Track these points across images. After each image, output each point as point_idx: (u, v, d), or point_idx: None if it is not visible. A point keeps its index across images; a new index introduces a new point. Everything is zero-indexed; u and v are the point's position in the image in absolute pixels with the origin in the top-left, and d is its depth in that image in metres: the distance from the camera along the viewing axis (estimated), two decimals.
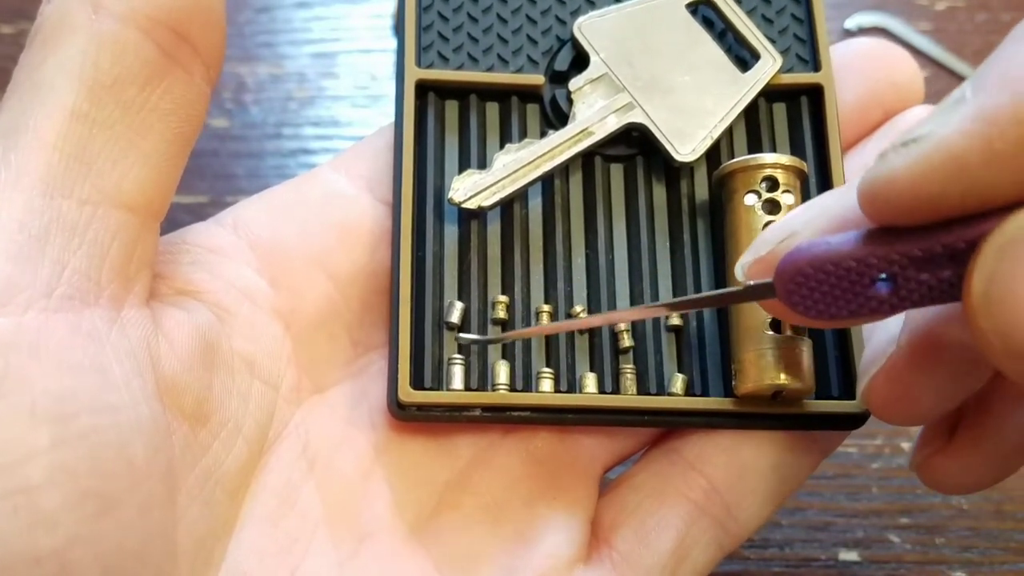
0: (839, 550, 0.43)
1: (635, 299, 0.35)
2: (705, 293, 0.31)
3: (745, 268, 0.29)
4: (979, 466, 0.31)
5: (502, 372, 0.33)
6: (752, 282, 0.27)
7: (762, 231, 0.29)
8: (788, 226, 0.28)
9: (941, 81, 0.54)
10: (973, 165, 0.22)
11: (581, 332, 0.34)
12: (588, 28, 0.36)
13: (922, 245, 0.24)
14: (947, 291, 0.24)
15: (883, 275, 0.25)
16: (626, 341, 0.34)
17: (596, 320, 0.33)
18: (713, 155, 0.36)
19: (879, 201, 0.24)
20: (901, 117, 0.37)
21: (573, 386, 0.34)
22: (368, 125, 0.53)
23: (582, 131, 0.35)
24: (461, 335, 0.33)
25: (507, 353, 0.34)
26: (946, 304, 0.25)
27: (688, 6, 0.37)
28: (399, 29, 0.37)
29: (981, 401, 0.30)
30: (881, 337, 0.30)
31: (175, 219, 0.30)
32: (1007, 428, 0.30)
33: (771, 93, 0.37)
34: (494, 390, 0.33)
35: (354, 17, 0.56)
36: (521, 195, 0.35)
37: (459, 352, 0.34)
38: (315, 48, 0.55)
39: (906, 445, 0.45)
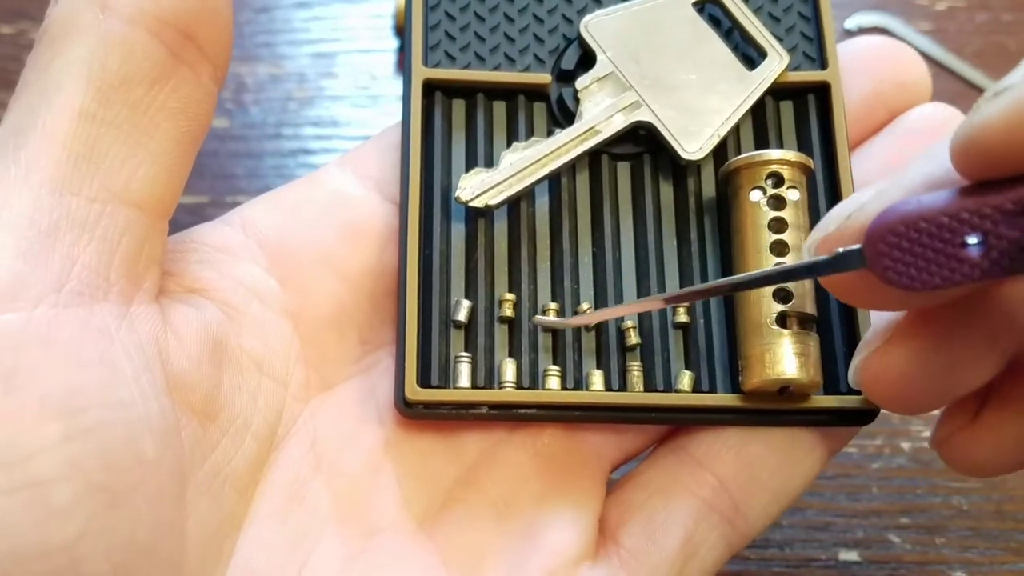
0: (839, 550, 0.43)
1: (641, 296, 0.35)
2: (790, 265, 0.30)
3: (813, 246, 0.28)
4: (1003, 449, 0.30)
5: (509, 370, 0.33)
6: (841, 249, 0.26)
7: (830, 211, 0.28)
8: (856, 201, 0.28)
9: (941, 81, 0.54)
10: None
11: (588, 329, 0.34)
12: (595, 27, 0.36)
13: (1013, 197, 0.24)
14: None
15: (974, 238, 0.24)
16: (633, 338, 0.34)
17: (662, 299, 0.32)
18: (720, 153, 0.36)
19: (972, 152, 0.24)
20: (907, 115, 0.37)
21: (580, 383, 0.34)
22: (368, 125, 0.53)
23: (589, 129, 0.35)
24: (538, 318, 0.34)
25: (514, 351, 0.34)
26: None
27: (695, 4, 0.37)
28: (405, 29, 0.37)
29: (1012, 381, 0.30)
30: (881, 320, 0.30)
31: (175, 219, 0.31)
32: None
33: (778, 91, 0.37)
34: (501, 388, 0.33)
35: (354, 17, 0.56)
36: (528, 193, 0.35)
37: (466, 350, 0.34)
38: (315, 48, 0.55)
39: (906, 445, 0.45)
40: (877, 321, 0.31)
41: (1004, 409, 0.30)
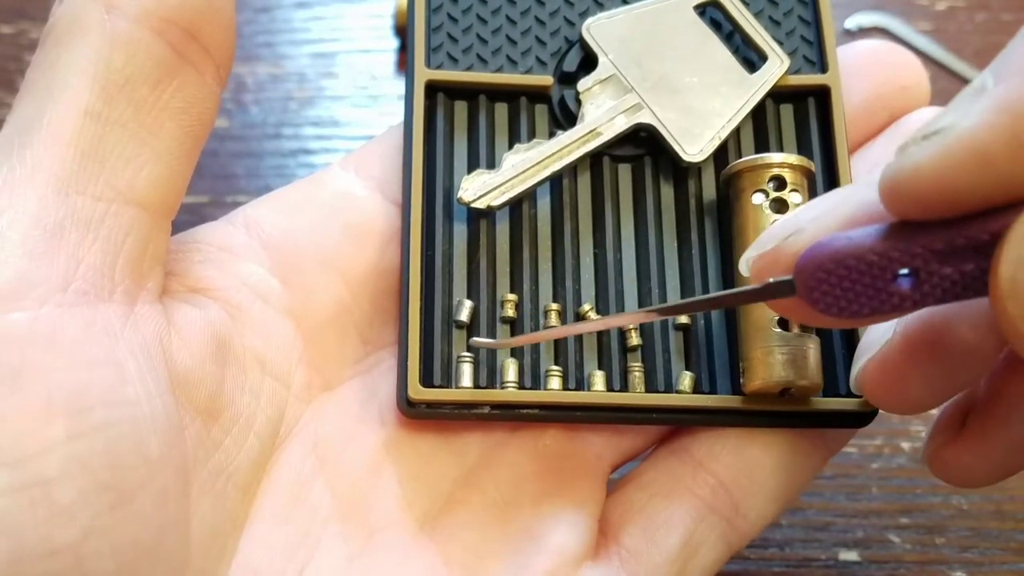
0: (839, 550, 0.43)
1: (643, 297, 0.35)
2: (721, 292, 0.31)
3: (749, 263, 0.29)
4: (989, 459, 0.31)
5: (511, 370, 0.33)
6: (772, 279, 0.27)
7: (767, 229, 0.29)
8: (794, 223, 0.28)
9: (941, 81, 0.54)
10: (998, 157, 0.22)
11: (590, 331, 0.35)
12: (596, 29, 0.37)
13: (944, 238, 0.24)
14: (970, 285, 0.24)
15: (905, 270, 0.24)
16: (634, 339, 0.34)
17: (607, 322, 0.33)
18: (721, 156, 0.36)
19: (902, 195, 0.24)
20: (907, 119, 0.37)
21: (581, 384, 0.34)
22: (368, 125, 0.53)
23: (590, 131, 0.35)
24: (474, 339, 0.33)
25: (516, 351, 0.34)
26: (968, 300, 0.25)
27: (696, 7, 0.37)
28: (408, 31, 0.37)
29: (991, 393, 0.30)
30: (878, 326, 0.30)
31: (175, 219, 0.31)
32: (1017, 421, 0.30)
33: (778, 94, 0.37)
34: (503, 388, 0.33)
35: (354, 17, 0.56)
36: (530, 195, 0.35)
37: (468, 350, 0.34)
38: (315, 48, 0.55)
39: (906, 445, 0.45)
40: (872, 327, 0.31)
41: (986, 422, 0.30)
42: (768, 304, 0.29)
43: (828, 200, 0.28)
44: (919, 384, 0.29)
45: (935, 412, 0.45)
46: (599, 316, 0.35)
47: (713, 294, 0.30)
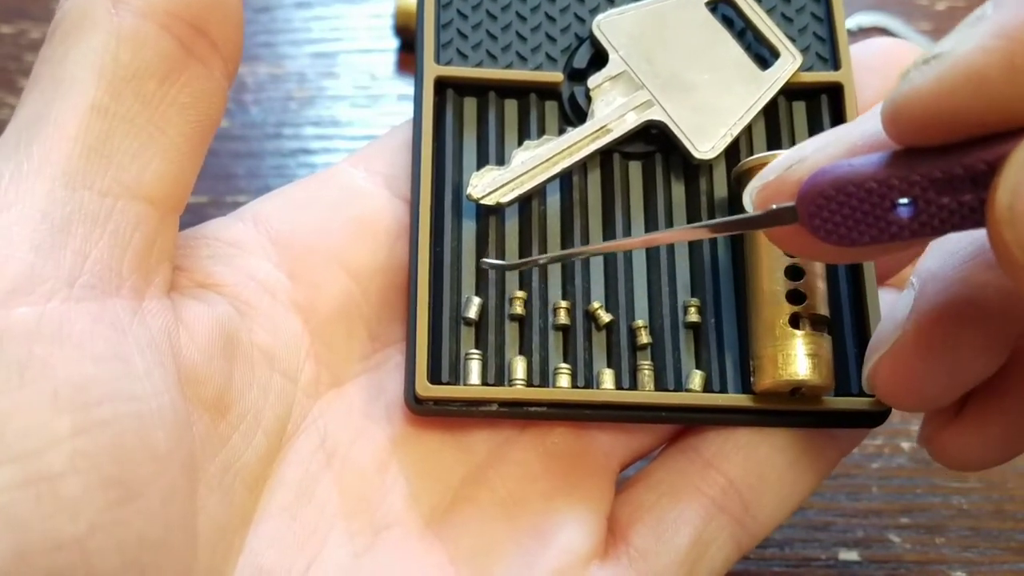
0: (839, 550, 0.43)
1: (653, 295, 0.35)
2: (725, 218, 0.30)
3: (753, 194, 0.29)
4: (986, 442, 0.31)
5: (519, 368, 0.33)
6: (775, 206, 0.27)
7: (772, 161, 0.29)
8: (798, 153, 0.28)
9: None
10: (994, 81, 0.22)
11: (598, 328, 0.35)
12: (607, 26, 0.36)
13: (943, 166, 0.24)
14: (968, 216, 0.24)
15: (904, 199, 0.25)
16: (644, 338, 0.34)
17: (636, 242, 0.32)
18: (732, 153, 0.36)
19: (902, 118, 0.24)
20: None
21: (590, 382, 0.34)
22: (368, 125, 0.53)
23: (601, 128, 0.35)
24: (484, 260, 0.33)
25: (524, 349, 0.34)
26: (966, 230, 0.25)
27: (708, 4, 0.37)
28: (417, 27, 0.37)
29: (990, 377, 0.30)
30: (887, 322, 0.30)
31: None
32: (1014, 404, 0.30)
33: (791, 91, 0.37)
34: (511, 385, 0.33)
35: (354, 17, 0.56)
36: (539, 191, 0.35)
37: (477, 347, 0.34)
38: (315, 48, 0.55)
39: (906, 445, 0.45)
40: (882, 325, 0.31)
41: (984, 404, 0.30)
42: (771, 237, 0.29)
43: (834, 131, 0.28)
44: (932, 380, 0.29)
45: None
46: (608, 313, 0.35)
47: (718, 220, 0.30)
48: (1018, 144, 0.23)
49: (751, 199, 0.29)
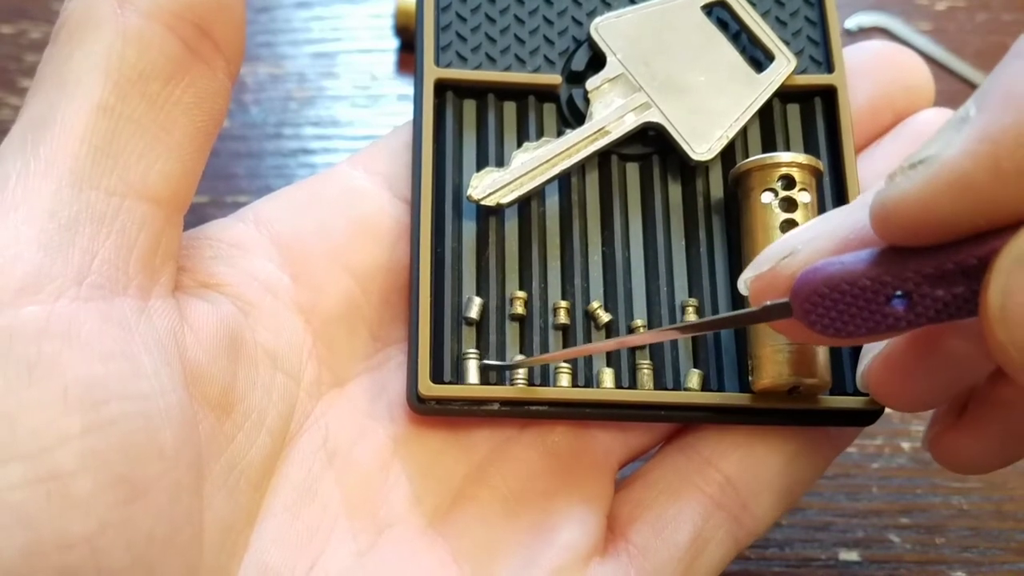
0: (839, 550, 0.43)
1: (651, 296, 0.35)
2: (721, 315, 0.32)
3: (747, 283, 0.30)
4: (989, 446, 0.31)
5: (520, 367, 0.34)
6: (769, 302, 0.28)
7: (764, 250, 0.30)
8: (789, 244, 0.29)
9: (941, 81, 0.54)
10: (981, 185, 0.23)
11: (598, 328, 0.35)
12: (605, 28, 0.37)
13: (934, 263, 0.24)
14: (962, 306, 0.25)
15: (898, 292, 0.25)
16: None
17: (610, 344, 0.33)
18: (728, 154, 0.36)
19: (891, 223, 0.25)
20: (912, 119, 0.37)
21: (590, 381, 0.34)
22: (368, 125, 0.53)
23: (599, 130, 0.35)
24: (486, 362, 0.34)
25: (525, 348, 0.34)
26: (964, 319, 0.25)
27: (703, 7, 0.37)
28: (416, 29, 0.37)
29: (990, 379, 0.30)
30: None
31: None
32: (1011, 408, 0.30)
33: (785, 94, 0.37)
34: (512, 385, 0.33)
35: (354, 17, 0.56)
36: (538, 193, 0.35)
37: (477, 347, 0.34)
38: (315, 48, 0.55)
39: (906, 445, 0.45)
40: None
41: (986, 408, 0.30)
42: (771, 325, 0.29)
43: (823, 222, 0.29)
44: (924, 381, 0.30)
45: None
46: (607, 313, 0.35)
47: (714, 317, 0.31)
48: (1006, 243, 0.23)
49: (745, 288, 0.30)
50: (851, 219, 0.28)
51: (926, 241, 0.24)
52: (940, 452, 0.32)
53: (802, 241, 0.28)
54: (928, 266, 0.24)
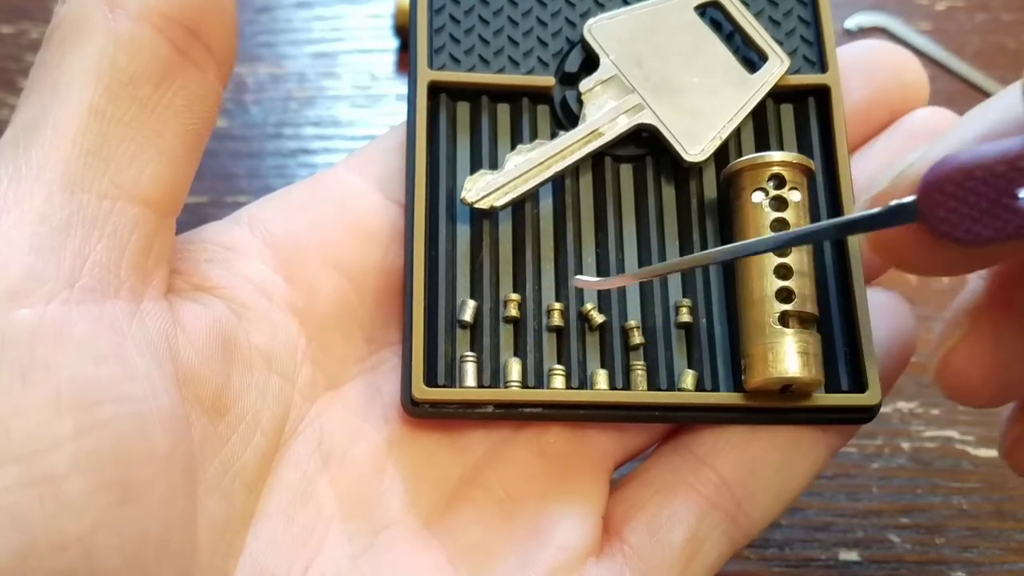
0: (839, 550, 0.43)
1: (645, 297, 0.35)
2: (832, 220, 0.29)
3: (867, 205, 0.28)
4: (995, 366, 0.30)
5: (514, 369, 0.34)
6: (894, 202, 0.26)
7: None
8: (903, 162, 0.27)
9: (941, 81, 0.54)
10: None
11: (591, 329, 0.35)
12: (598, 30, 0.37)
13: None
14: None
15: None
16: (636, 338, 0.34)
17: (684, 262, 0.32)
18: (722, 155, 0.36)
19: None
20: (907, 118, 0.37)
21: (584, 383, 0.34)
22: (368, 125, 0.53)
23: (592, 132, 0.35)
24: (579, 277, 0.34)
25: (519, 350, 0.34)
26: None
27: (696, 8, 0.37)
28: (410, 32, 0.37)
29: (1005, 295, 0.29)
30: (953, 316, 0.30)
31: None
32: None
33: (779, 94, 0.37)
34: (506, 387, 0.34)
35: (354, 17, 0.57)
36: (532, 195, 0.35)
37: (472, 350, 0.34)
38: (315, 48, 0.55)
39: (906, 445, 0.45)
40: (949, 316, 0.30)
41: (997, 323, 0.29)
42: (882, 248, 0.28)
43: (932, 141, 0.28)
44: (1004, 371, 0.29)
45: (936, 412, 0.46)
46: (601, 314, 0.35)
47: (822, 223, 0.29)
48: None
49: (867, 204, 0.28)
50: (988, 116, 0.27)
51: None
52: (945, 374, 0.30)
53: (917, 155, 0.27)
54: None
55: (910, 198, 0.26)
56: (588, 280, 0.33)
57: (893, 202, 0.26)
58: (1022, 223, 0.24)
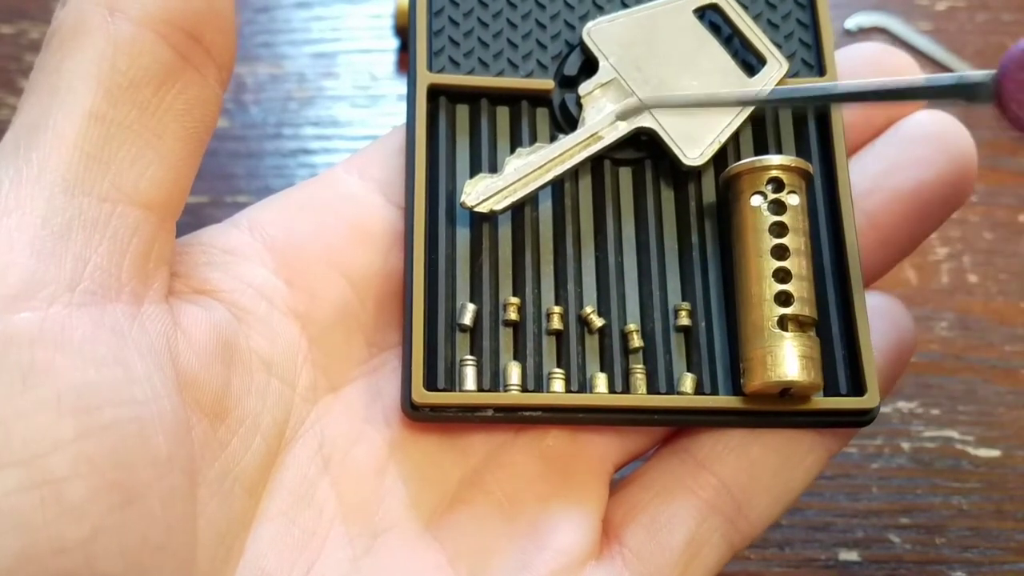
0: (839, 550, 0.43)
1: (644, 300, 0.35)
2: (904, 83, 0.27)
3: None
4: None
5: (514, 373, 0.34)
6: (970, 72, 0.25)
7: None
8: None
9: None
10: None
11: (591, 333, 0.35)
12: (597, 33, 0.37)
13: None
14: None
15: None
16: (636, 342, 0.35)
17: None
18: (720, 159, 0.36)
19: None
20: (905, 122, 0.37)
21: (584, 386, 0.34)
22: (368, 125, 0.53)
23: (591, 135, 0.35)
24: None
25: (519, 354, 0.34)
26: None
27: (695, 11, 0.37)
28: (409, 35, 0.37)
29: None
30: None
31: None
32: None
33: None
34: (506, 391, 0.34)
35: (354, 17, 0.57)
36: (532, 199, 0.35)
37: (472, 353, 0.34)
38: (315, 48, 0.55)
39: (906, 445, 0.46)
40: None
41: None
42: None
43: None
44: None
45: (936, 412, 0.46)
46: (600, 318, 0.35)
47: (895, 82, 0.27)
48: None
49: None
50: None
51: None
52: None
53: None
54: None
55: (988, 74, 0.25)
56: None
57: (968, 75, 0.25)
58: None
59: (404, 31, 0.55)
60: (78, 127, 0.28)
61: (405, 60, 0.55)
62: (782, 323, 0.33)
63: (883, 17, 0.56)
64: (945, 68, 0.55)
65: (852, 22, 0.56)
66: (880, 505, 0.44)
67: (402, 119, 0.37)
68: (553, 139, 0.36)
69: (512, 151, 0.36)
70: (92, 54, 0.29)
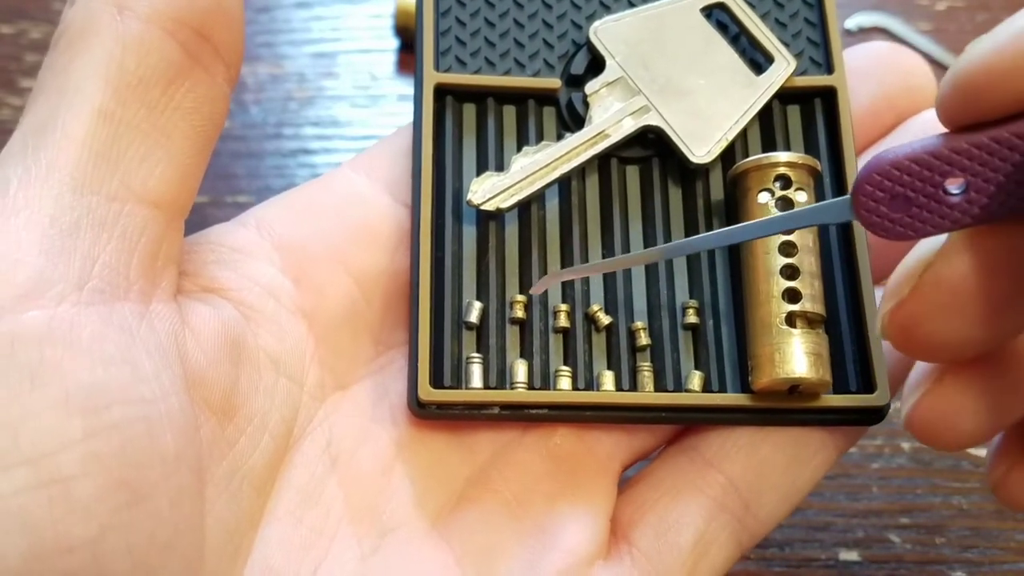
0: (839, 550, 0.43)
1: (651, 298, 0.35)
2: (776, 215, 0.31)
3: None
4: None
5: (520, 371, 0.34)
6: (830, 200, 0.28)
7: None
8: None
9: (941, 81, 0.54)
10: None
11: (598, 330, 0.35)
12: (604, 32, 0.37)
13: (992, 135, 0.25)
14: (1014, 192, 0.25)
15: (956, 185, 0.25)
16: (643, 339, 0.35)
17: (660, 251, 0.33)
18: (728, 157, 0.36)
19: (959, 87, 0.25)
20: (914, 120, 0.37)
21: (591, 384, 0.34)
22: (368, 125, 0.53)
23: (598, 134, 0.35)
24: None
25: (525, 352, 0.34)
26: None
27: (702, 10, 0.37)
28: (416, 34, 0.37)
29: None
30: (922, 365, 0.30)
31: None
32: None
33: (785, 96, 0.37)
34: (512, 388, 0.33)
35: (354, 17, 0.57)
36: (538, 197, 0.35)
37: (478, 351, 0.34)
38: (315, 48, 0.55)
39: (906, 445, 0.45)
40: (910, 378, 0.31)
41: None
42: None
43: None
44: (975, 415, 0.30)
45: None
46: (607, 316, 0.35)
47: (770, 217, 0.30)
48: None
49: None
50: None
51: (989, 108, 0.25)
52: (1007, 494, 0.31)
53: None
54: (986, 137, 0.25)
55: (844, 197, 0.27)
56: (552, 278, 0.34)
57: (829, 200, 0.28)
58: (952, 216, 0.26)
59: (404, 31, 0.55)
60: (87, 126, 0.28)
61: (405, 60, 0.55)
62: (790, 320, 0.33)
63: (883, 17, 0.56)
64: (945, 68, 0.55)
65: (852, 22, 0.56)
66: (880, 505, 0.44)
67: (403, 119, 0.37)
68: (560, 138, 0.36)
69: (519, 150, 0.36)
70: (100, 53, 0.29)
